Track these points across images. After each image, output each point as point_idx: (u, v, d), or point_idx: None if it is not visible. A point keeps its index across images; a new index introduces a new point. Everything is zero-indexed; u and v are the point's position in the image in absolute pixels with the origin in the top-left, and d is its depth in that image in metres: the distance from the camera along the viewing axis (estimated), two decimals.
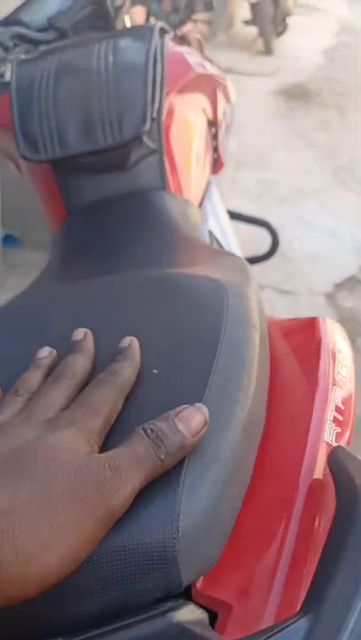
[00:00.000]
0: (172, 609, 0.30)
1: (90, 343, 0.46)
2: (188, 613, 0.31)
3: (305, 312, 2.19)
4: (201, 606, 0.33)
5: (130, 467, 0.33)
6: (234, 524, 0.37)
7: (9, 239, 2.20)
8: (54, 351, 0.46)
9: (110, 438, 0.37)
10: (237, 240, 1.17)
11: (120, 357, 0.43)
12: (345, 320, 2.15)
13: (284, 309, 2.17)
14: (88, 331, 0.47)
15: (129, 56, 0.83)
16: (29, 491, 0.31)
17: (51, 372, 0.44)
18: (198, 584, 0.34)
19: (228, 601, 0.33)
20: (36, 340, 0.48)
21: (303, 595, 0.30)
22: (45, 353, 0.46)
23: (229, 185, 2.81)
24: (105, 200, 0.83)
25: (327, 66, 4.92)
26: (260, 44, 5.02)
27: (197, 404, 0.37)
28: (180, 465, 0.35)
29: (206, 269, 0.56)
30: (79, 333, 0.47)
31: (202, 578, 0.34)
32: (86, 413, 0.37)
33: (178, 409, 0.37)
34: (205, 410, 0.37)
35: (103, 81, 0.79)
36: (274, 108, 4.03)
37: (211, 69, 1.04)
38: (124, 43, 0.86)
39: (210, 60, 1.07)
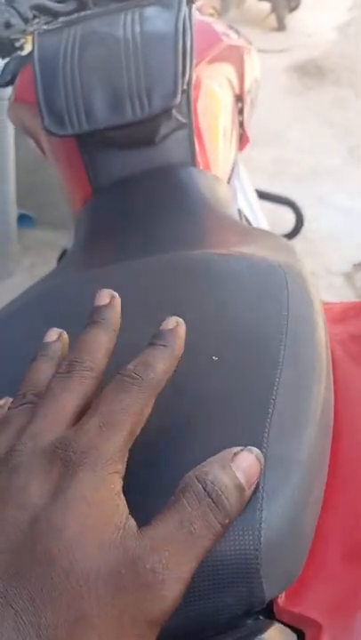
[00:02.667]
0: (258, 630, 0.27)
1: (117, 312, 0.35)
2: (276, 634, 0.27)
3: (324, 293, 2.14)
4: (285, 624, 0.30)
5: (179, 552, 0.25)
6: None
7: (24, 219, 2.16)
8: (64, 333, 0.37)
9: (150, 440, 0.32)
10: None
11: (158, 343, 0.33)
12: None
13: None
14: (115, 294, 0.35)
15: (157, 25, 0.78)
16: (52, 612, 0.23)
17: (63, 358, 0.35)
18: (281, 600, 0.31)
19: (316, 619, 0.29)
20: (76, 326, 0.45)
21: None
22: (54, 336, 0.36)
23: (245, 163, 2.75)
24: (132, 177, 0.79)
25: (341, 42, 4.81)
26: (272, 20, 4.91)
27: (252, 448, 0.30)
28: None
29: (253, 249, 0.52)
30: (104, 296, 0.35)
31: (284, 592, 0.31)
32: (102, 434, 0.28)
33: (231, 451, 0.29)
34: (261, 456, 0.30)
35: (131, 51, 0.75)
36: (288, 86, 3.95)
37: (238, 40, 0.99)
38: (151, 12, 0.81)
39: (237, 30, 1.02)
